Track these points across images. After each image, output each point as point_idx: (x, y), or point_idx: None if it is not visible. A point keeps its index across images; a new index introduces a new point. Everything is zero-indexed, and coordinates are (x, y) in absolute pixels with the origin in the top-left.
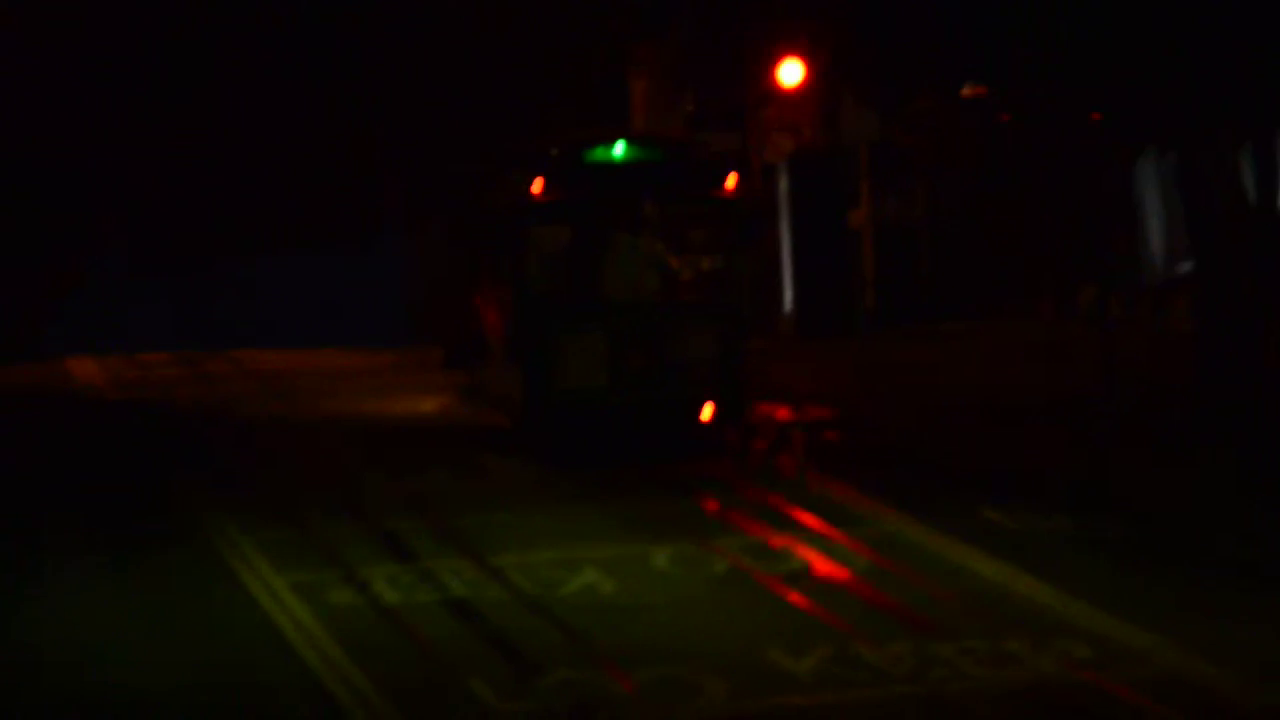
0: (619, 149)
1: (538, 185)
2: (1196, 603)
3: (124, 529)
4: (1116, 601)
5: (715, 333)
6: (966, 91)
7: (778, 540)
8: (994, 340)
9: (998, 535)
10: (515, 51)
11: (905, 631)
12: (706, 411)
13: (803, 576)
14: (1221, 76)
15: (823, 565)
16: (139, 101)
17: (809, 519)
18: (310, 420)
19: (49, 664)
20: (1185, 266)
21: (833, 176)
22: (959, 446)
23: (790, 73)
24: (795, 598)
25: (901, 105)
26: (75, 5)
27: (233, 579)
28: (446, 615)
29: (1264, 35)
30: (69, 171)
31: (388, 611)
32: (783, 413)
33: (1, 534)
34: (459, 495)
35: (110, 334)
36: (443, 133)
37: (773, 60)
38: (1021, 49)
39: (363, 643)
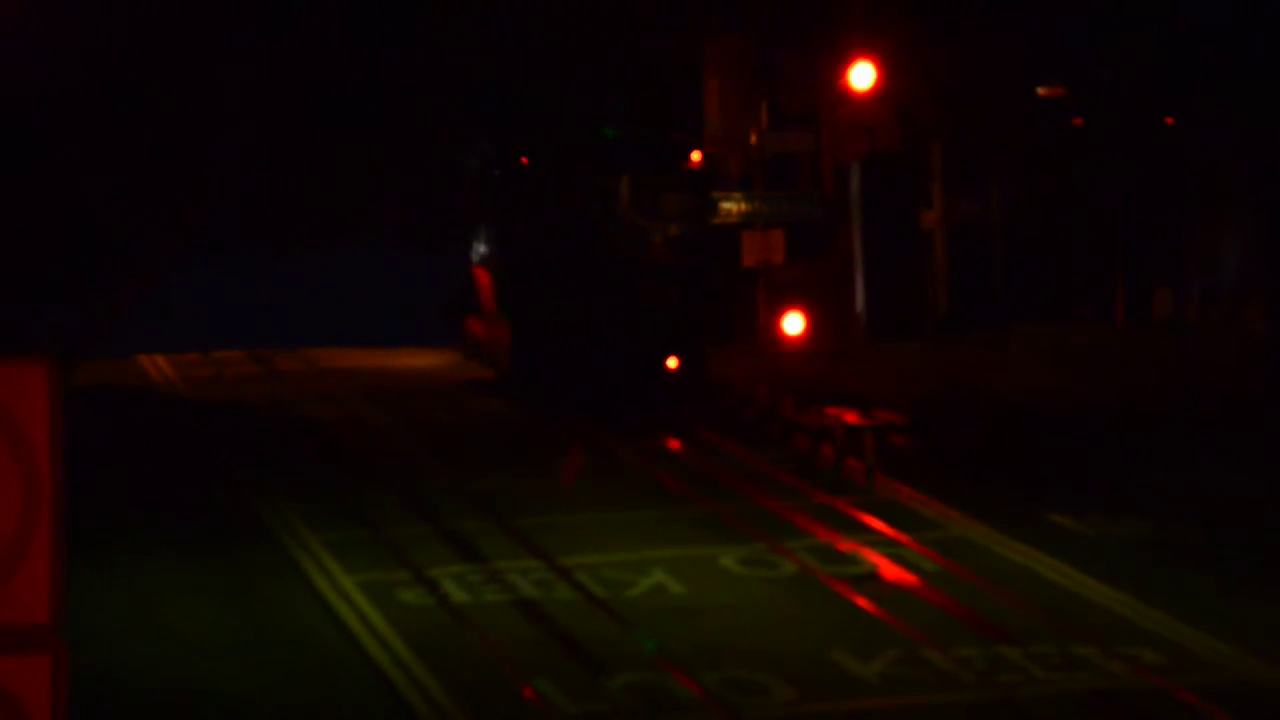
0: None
1: (521, 159)
2: (1274, 613)
3: (196, 527)
4: (1189, 609)
5: (680, 292)
6: (1043, 91)
7: (845, 544)
8: (1067, 344)
9: (1067, 540)
10: (592, 53)
11: (973, 636)
12: (672, 362)
13: (870, 580)
14: None
15: (890, 569)
16: (211, 97)
17: (877, 523)
18: (365, 410)
19: (124, 658)
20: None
21: (905, 177)
22: (1029, 451)
23: (862, 75)
24: (862, 601)
25: (975, 107)
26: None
27: (301, 576)
28: (515, 615)
29: None
30: (143, 170)
31: (455, 611)
32: (851, 416)
33: (81, 528)
34: (523, 494)
35: (182, 332)
36: (514, 133)
37: (846, 62)
38: (1100, 52)
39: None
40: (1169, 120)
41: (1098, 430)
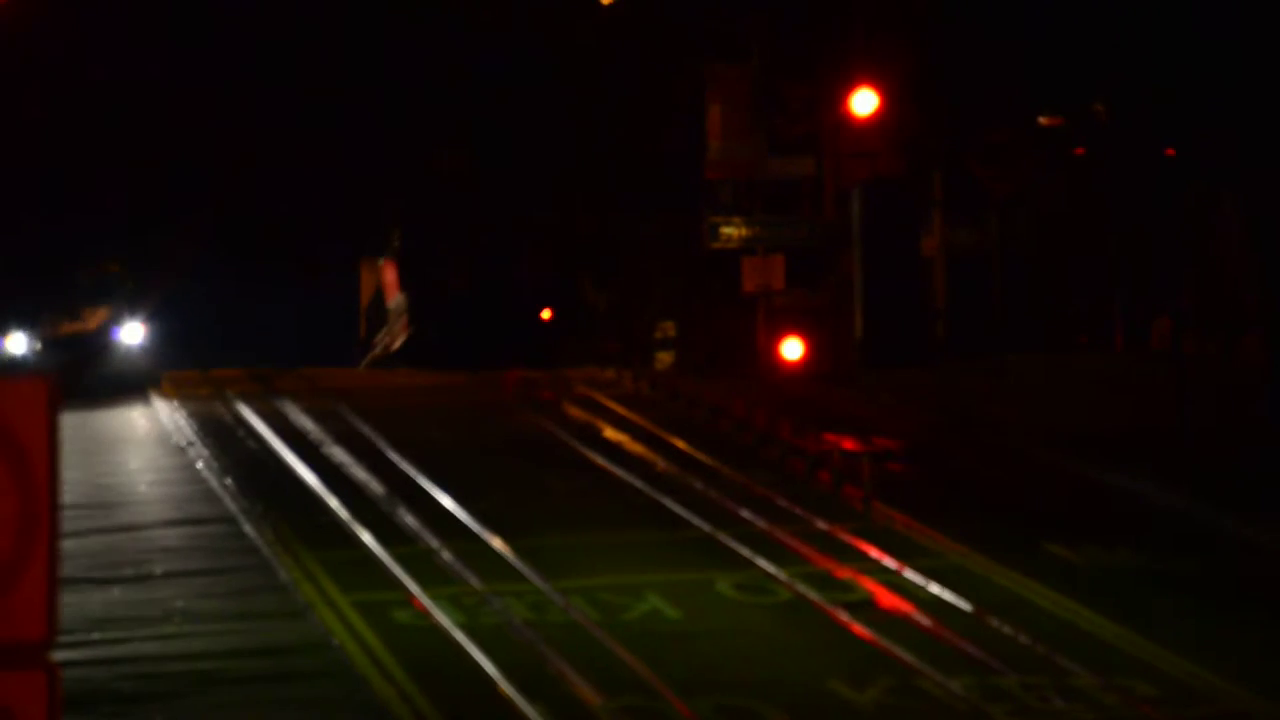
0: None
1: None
2: (1268, 643)
3: (193, 544)
4: (1183, 639)
5: (551, 254)
6: (1044, 121)
7: (841, 571)
8: (1065, 373)
9: (1063, 569)
10: (595, 80)
11: (968, 665)
12: (546, 313)
13: (866, 607)
14: None
15: (886, 597)
16: (221, 122)
17: (873, 550)
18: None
19: (117, 676)
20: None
21: (905, 204)
22: (1025, 480)
23: (864, 102)
24: (858, 629)
25: (977, 135)
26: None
27: (297, 597)
28: (510, 637)
29: None
30: (157, 197)
31: (451, 632)
32: (848, 442)
33: (72, 547)
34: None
35: (184, 350)
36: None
37: (848, 89)
38: (1103, 83)
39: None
40: (1169, 151)
41: (1094, 459)
